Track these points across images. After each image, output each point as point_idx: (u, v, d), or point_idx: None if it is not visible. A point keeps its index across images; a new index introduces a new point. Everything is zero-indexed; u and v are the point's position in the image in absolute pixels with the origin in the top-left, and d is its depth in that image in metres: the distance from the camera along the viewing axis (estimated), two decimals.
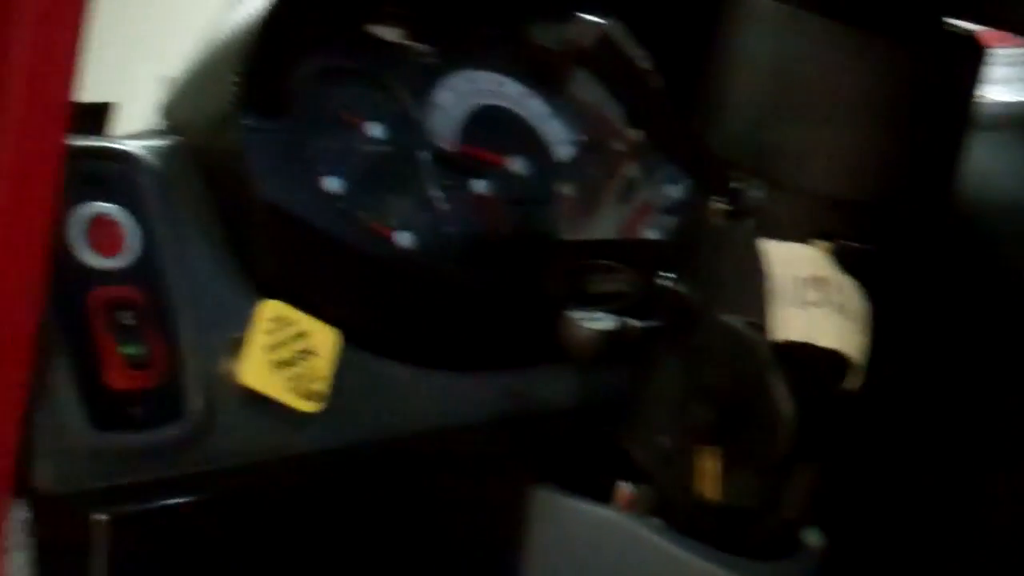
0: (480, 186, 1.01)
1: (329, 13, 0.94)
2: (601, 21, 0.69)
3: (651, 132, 0.76)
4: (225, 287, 0.84)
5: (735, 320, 0.75)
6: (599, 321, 0.79)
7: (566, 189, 1.07)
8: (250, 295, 0.84)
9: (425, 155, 0.99)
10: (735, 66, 0.76)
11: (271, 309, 0.79)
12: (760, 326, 0.73)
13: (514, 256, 0.98)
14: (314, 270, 0.87)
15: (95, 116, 1.02)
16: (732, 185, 0.75)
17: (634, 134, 1.13)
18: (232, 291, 0.84)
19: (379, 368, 0.89)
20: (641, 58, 0.73)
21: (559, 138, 1.10)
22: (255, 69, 0.85)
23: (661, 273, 0.83)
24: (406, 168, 0.98)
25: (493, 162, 1.03)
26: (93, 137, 0.86)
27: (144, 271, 0.81)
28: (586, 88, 1.12)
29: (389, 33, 1.00)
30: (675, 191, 1.12)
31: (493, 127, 1.05)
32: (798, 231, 0.73)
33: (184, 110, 0.93)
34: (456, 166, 1.01)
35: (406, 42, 1.01)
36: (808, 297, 0.72)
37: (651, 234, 1.11)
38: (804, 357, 0.72)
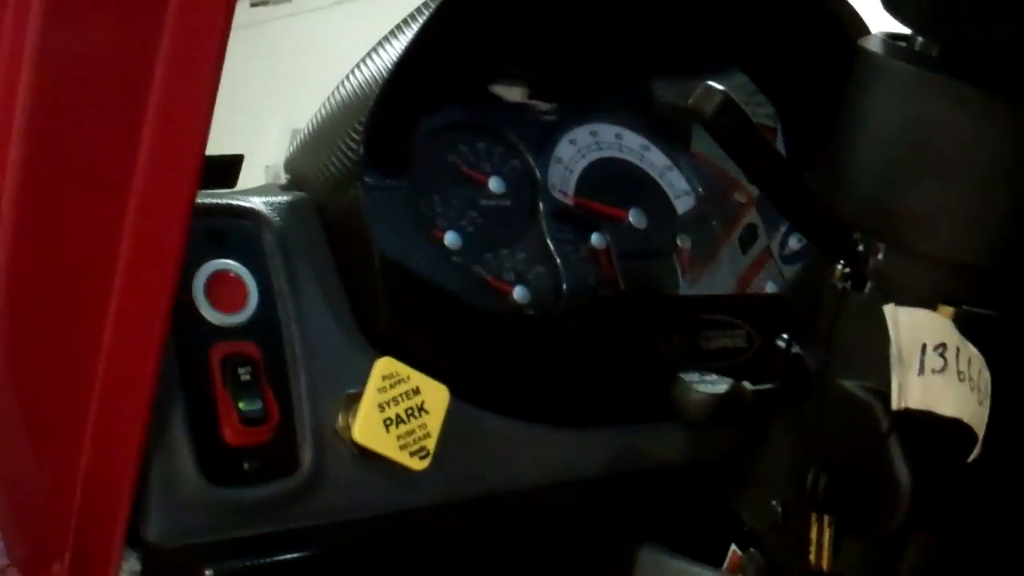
0: (597, 240, 1.01)
1: (451, 72, 0.95)
2: (722, 89, 0.68)
3: (771, 196, 0.75)
4: (341, 343, 0.85)
5: (853, 385, 0.74)
6: (712, 384, 0.78)
7: (684, 242, 1.06)
8: (365, 351, 0.85)
9: (543, 209, 0.99)
10: (861, 128, 0.75)
11: (385, 366, 0.80)
12: (879, 392, 0.71)
13: (629, 311, 0.97)
14: (430, 325, 0.87)
15: (224, 170, 1.05)
16: (855, 249, 0.73)
17: (754, 187, 1.12)
18: (348, 347, 0.85)
19: (489, 423, 0.89)
20: (764, 118, 0.72)
21: (678, 190, 1.09)
22: (377, 127, 0.86)
23: (778, 333, 0.81)
24: (524, 222, 0.98)
25: (611, 215, 1.03)
26: (220, 191, 0.88)
27: (263, 327, 0.82)
28: (706, 140, 1.11)
29: (511, 92, 1.01)
30: (796, 241, 1.10)
31: (611, 180, 1.05)
32: (922, 296, 0.71)
33: (307, 166, 0.94)
34: (574, 220, 1.01)
35: (527, 101, 1.02)
36: (930, 364, 0.69)
37: (770, 285, 1.09)
38: (924, 426, 0.70)
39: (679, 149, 1.11)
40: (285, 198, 0.89)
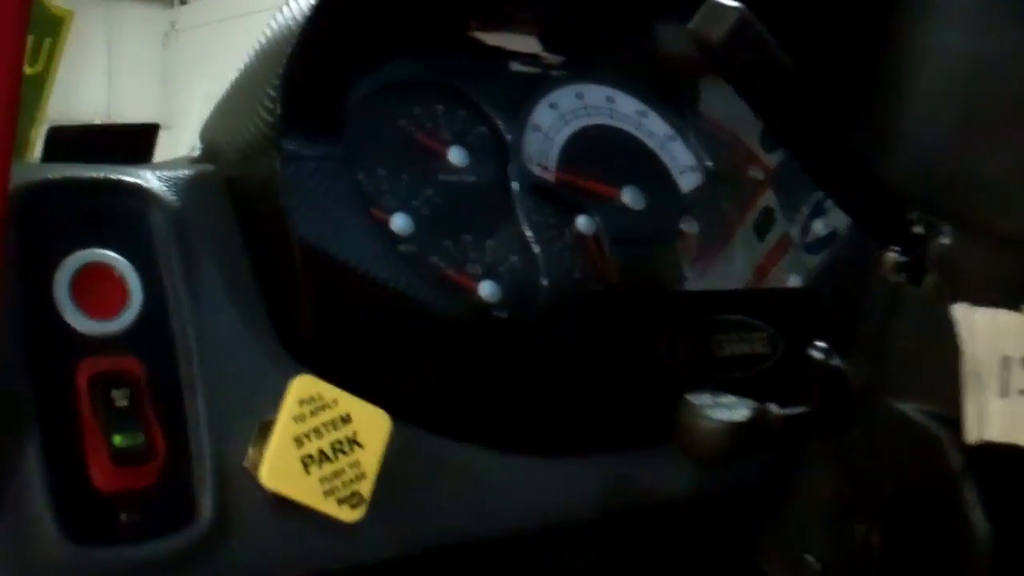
0: (584, 224, 0.83)
1: (402, 11, 0.77)
2: (737, 5, 0.51)
3: (804, 157, 0.57)
4: (253, 355, 0.67)
5: (913, 409, 0.59)
6: (729, 408, 0.60)
7: (690, 226, 0.88)
8: (285, 365, 0.67)
9: (517, 186, 0.81)
10: (917, 72, 0.58)
11: (303, 387, 0.62)
12: (948, 419, 0.57)
13: (623, 310, 0.79)
14: (369, 331, 0.69)
15: (136, 141, 0.88)
16: (910, 229, 0.58)
17: (772, 159, 0.94)
18: (262, 360, 0.67)
19: (449, 454, 0.72)
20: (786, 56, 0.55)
21: (682, 164, 0.91)
22: (298, 79, 0.69)
23: (809, 336, 0.64)
24: (493, 203, 0.80)
25: (601, 194, 0.85)
26: (101, 166, 0.69)
27: (148, 336, 0.64)
28: (716, 103, 0.93)
29: (479, 55, 0.83)
30: (822, 225, 0.92)
31: (601, 152, 0.87)
32: (1002, 293, 0.56)
33: (220, 132, 0.77)
34: (555, 199, 0.83)
35: (506, 48, 0.84)
36: (1017, 383, 0.55)
37: (792, 278, 0.91)
38: (1007, 463, 0.55)
39: (684, 114, 0.92)
40: (187, 171, 0.71)
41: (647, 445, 0.76)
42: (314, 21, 0.69)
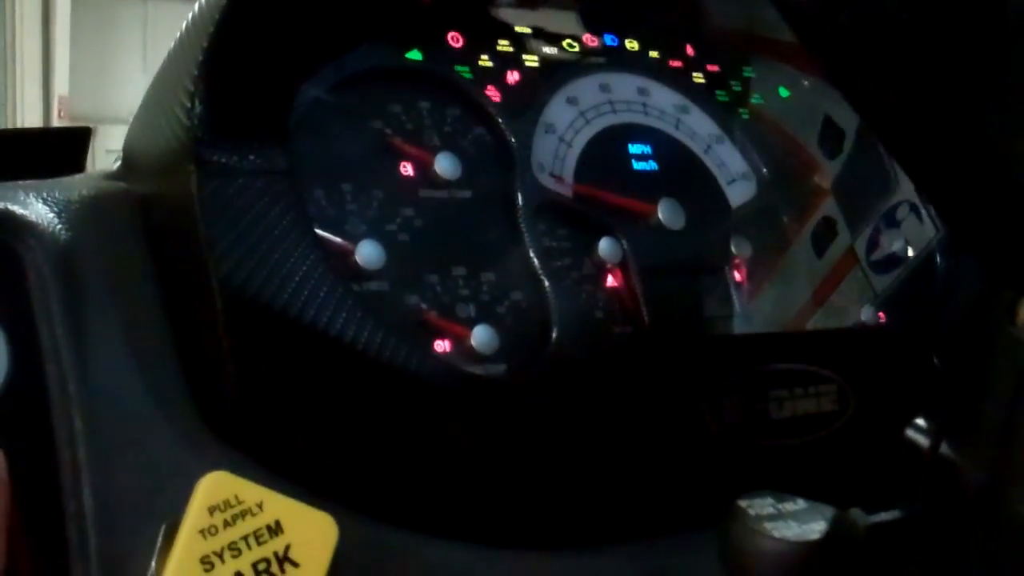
0: (607, 249, 0.65)
1: None
2: None
3: (911, 155, 0.40)
4: (162, 436, 0.51)
5: None
6: (798, 521, 0.44)
7: (742, 249, 0.71)
8: (205, 446, 0.51)
9: (524, 202, 0.64)
10: None
11: (215, 488, 0.45)
12: None
13: (656, 363, 0.62)
14: (319, 403, 0.52)
15: (64, 146, 0.72)
16: None
17: (833, 166, 0.78)
18: (174, 443, 0.51)
19: (430, 555, 0.55)
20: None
21: (732, 171, 0.74)
22: (224, 69, 0.52)
23: (889, 390, 0.48)
24: (491, 224, 0.64)
25: (630, 210, 0.68)
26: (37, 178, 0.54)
27: (14, 419, 0.48)
28: (770, 98, 0.77)
29: (476, 36, 0.66)
30: (890, 240, 0.75)
31: (631, 158, 0.70)
32: None
33: (137, 139, 0.60)
34: (572, 219, 0.66)
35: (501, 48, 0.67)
36: None
37: (864, 310, 0.74)
38: None
39: (734, 108, 0.76)
40: (86, 192, 0.55)
41: (682, 531, 0.60)
42: None
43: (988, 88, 0.43)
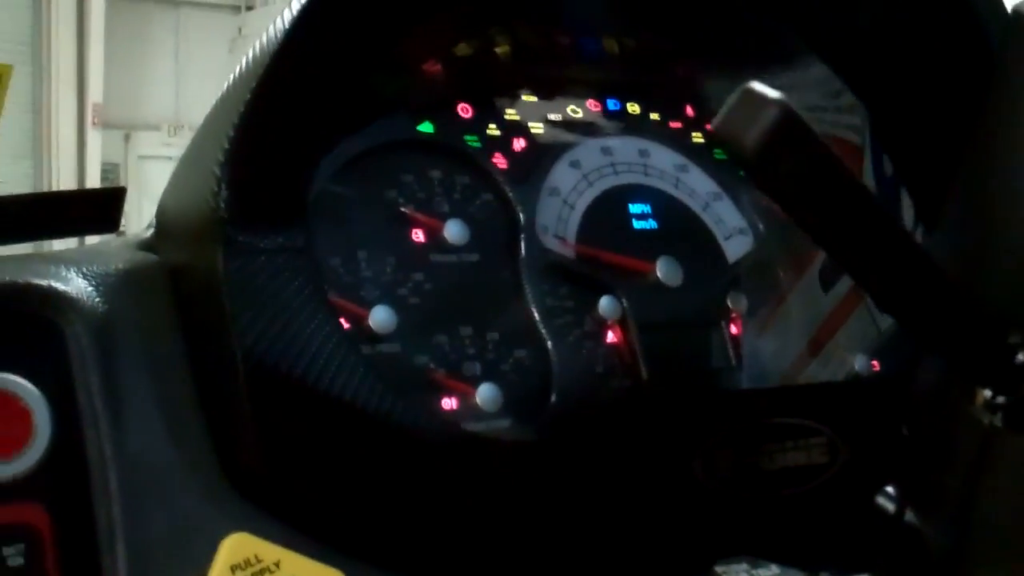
0: (607, 307, 0.69)
1: (383, 56, 0.64)
2: (777, 96, 0.37)
3: (862, 273, 0.44)
4: (189, 495, 0.55)
5: None
6: None
7: (738, 303, 0.75)
8: (229, 505, 0.55)
9: (528, 264, 0.68)
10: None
11: (237, 548, 0.50)
12: None
13: (651, 416, 0.65)
14: (334, 463, 0.57)
15: (101, 207, 0.76)
16: (1012, 359, 0.44)
17: None
18: (200, 501, 0.55)
19: None
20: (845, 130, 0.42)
21: (729, 227, 0.77)
22: (248, 153, 0.56)
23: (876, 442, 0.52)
24: (497, 286, 0.67)
25: (629, 269, 0.71)
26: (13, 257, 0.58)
27: (56, 478, 0.53)
28: None
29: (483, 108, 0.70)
30: None
31: (631, 218, 0.73)
32: None
33: (171, 210, 0.65)
34: (574, 278, 0.69)
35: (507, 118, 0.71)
36: None
37: (859, 359, 0.78)
38: None
39: (731, 166, 0.79)
40: (121, 265, 0.59)
41: None
42: (273, 75, 0.56)
43: (941, 214, 0.47)
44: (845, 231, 0.40)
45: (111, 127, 6.78)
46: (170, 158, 7.10)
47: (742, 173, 0.79)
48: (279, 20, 0.58)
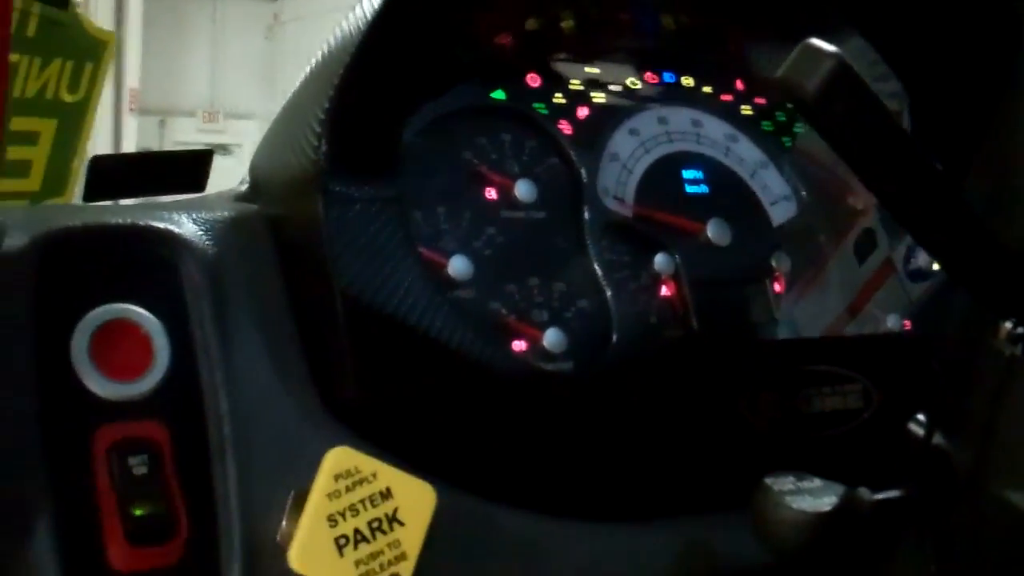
0: (662, 263, 0.75)
1: (461, 29, 0.70)
2: (833, 50, 0.43)
3: (902, 211, 0.49)
4: (291, 418, 0.61)
5: None
6: (813, 496, 0.53)
7: (782, 263, 0.80)
8: (326, 428, 0.62)
9: (590, 222, 0.74)
10: None
11: (339, 460, 0.56)
12: None
13: (703, 363, 0.71)
14: (420, 391, 0.63)
15: (190, 168, 0.83)
16: None
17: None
18: (300, 424, 0.61)
19: (504, 522, 0.65)
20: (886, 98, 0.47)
21: (775, 194, 0.83)
22: (345, 115, 0.63)
23: (908, 390, 0.57)
24: (563, 241, 0.73)
25: (683, 228, 0.77)
26: (129, 206, 0.64)
27: (175, 398, 0.59)
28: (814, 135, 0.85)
29: (551, 78, 0.76)
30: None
31: (684, 182, 0.79)
32: None
33: (267, 166, 0.71)
34: (632, 237, 0.75)
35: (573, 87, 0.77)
36: None
37: (891, 318, 0.83)
38: None
39: (778, 137, 0.85)
40: (227, 213, 0.66)
41: (722, 509, 0.69)
42: (368, 45, 0.63)
43: (973, 160, 0.53)
44: (889, 170, 0.46)
45: (147, 113, 6.87)
46: (205, 144, 7.22)
47: (798, 128, 0.85)
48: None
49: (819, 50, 0.43)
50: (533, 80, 0.76)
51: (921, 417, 0.56)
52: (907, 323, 0.84)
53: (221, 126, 7.20)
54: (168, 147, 7.20)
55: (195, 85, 7.26)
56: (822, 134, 0.45)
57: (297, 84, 0.70)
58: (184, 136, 7.07)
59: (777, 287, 0.80)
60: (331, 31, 0.67)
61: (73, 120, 0.78)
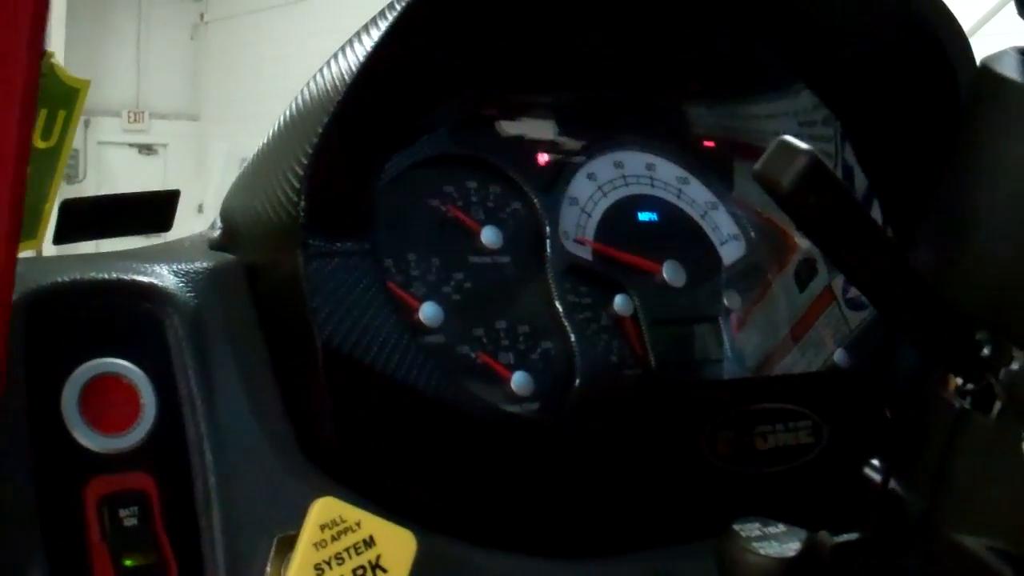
0: (621, 304, 0.78)
1: (430, 88, 0.73)
2: (806, 147, 0.47)
3: (858, 278, 0.53)
4: (273, 468, 0.63)
5: (975, 543, 0.54)
6: (778, 542, 0.56)
7: (732, 301, 0.84)
8: (307, 477, 0.64)
9: (553, 265, 0.77)
10: (984, 186, 0.53)
11: (325, 511, 0.58)
12: (1013, 557, 0.52)
13: (663, 404, 0.74)
14: (397, 439, 0.65)
15: (157, 209, 0.84)
16: (977, 354, 0.53)
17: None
18: (282, 473, 0.63)
19: (481, 562, 0.67)
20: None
21: (724, 234, 0.87)
22: (323, 173, 0.64)
23: (855, 423, 0.60)
24: (527, 284, 0.76)
25: (641, 268, 0.80)
26: (107, 256, 0.66)
27: (161, 451, 0.61)
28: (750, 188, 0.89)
29: (513, 127, 0.79)
30: None
31: (640, 224, 0.82)
32: None
33: (242, 214, 0.73)
34: (592, 278, 0.78)
35: (554, 137, 0.80)
36: None
37: (839, 354, 0.87)
38: None
39: (725, 180, 0.88)
40: (205, 264, 0.67)
41: (685, 540, 0.73)
42: (347, 104, 0.64)
43: (920, 228, 0.56)
44: (854, 253, 0.49)
45: None
46: (130, 144, 7.15)
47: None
48: (343, 62, 0.66)
49: (793, 147, 0.47)
50: (497, 128, 0.78)
51: (876, 463, 0.60)
52: (849, 357, 0.88)
53: (146, 126, 7.14)
54: (92, 147, 7.14)
55: (120, 85, 7.18)
56: (796, 222, 0.49)
57: (269, 134, 0.72)
58: (109, 136, 6.99)
59: (729, 324, 0.83)
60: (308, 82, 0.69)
61: (46, 166, 0.78)
